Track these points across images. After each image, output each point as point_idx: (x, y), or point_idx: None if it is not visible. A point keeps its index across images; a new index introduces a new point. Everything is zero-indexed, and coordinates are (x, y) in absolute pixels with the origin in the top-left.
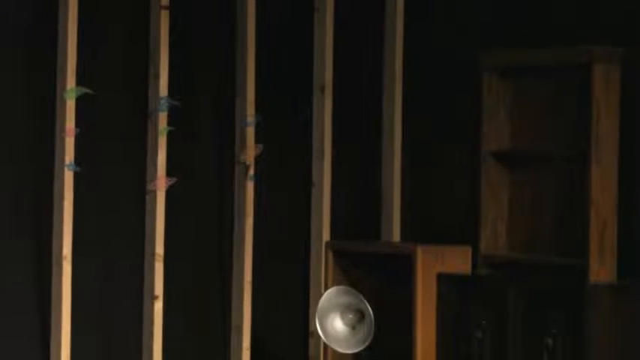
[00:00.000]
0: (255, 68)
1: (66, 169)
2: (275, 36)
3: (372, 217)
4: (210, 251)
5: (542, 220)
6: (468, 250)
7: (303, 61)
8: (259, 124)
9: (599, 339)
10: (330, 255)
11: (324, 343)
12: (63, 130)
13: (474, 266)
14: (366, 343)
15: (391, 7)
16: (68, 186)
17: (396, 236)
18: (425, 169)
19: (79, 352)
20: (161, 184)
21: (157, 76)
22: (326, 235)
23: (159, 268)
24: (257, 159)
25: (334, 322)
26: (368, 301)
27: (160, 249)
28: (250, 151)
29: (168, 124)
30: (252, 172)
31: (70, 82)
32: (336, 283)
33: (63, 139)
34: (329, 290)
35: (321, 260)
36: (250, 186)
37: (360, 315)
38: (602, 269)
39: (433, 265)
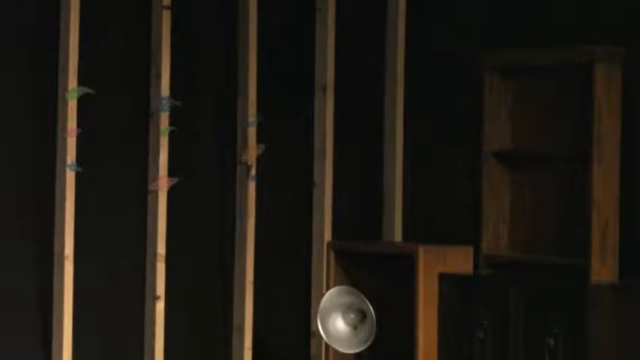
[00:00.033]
0: (256, 68)
1: (68, 170)
2: (277, 36)
3: (374, 217)
4: (212, 251)
5: (544, 220)
6: (469, 250)
7: (304, 61)
8: (261, 124)
9: (601, 339)
10: (332, 255)
11: (326, 343)
12: (65, 130)
13: (476, 266)
14: (368, 343)
15: (393, 8)
16: (70, 186)
17: (398, 236)
18: (426, 169)
19: (81, 352)
20: (163, 184)
21: (158, 76)
22: (327, 235)
23: (160, 268)
24: (259, 159)
25: (336, 322)
26: (369, 301)
27: (161, 249)
28: (252, 151)
29: (170, 124)
30: (253, 172)
31: (72, 82)
32: (337, 283)
33: (65, 140)
34: (331, 290)
35: (322, 260)
36: (252, 186)
37: (362, 315)
38: (603, 269)
39: (435, 265)
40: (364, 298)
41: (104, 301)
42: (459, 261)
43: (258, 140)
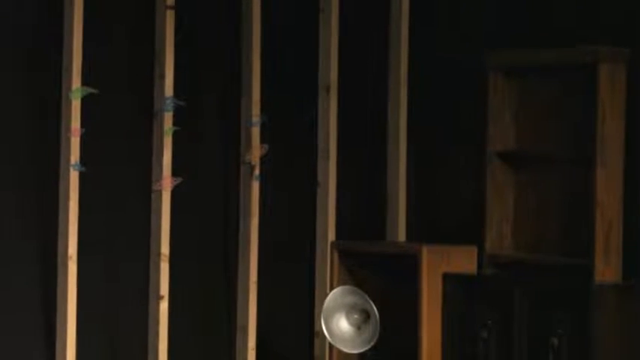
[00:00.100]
0: (260, 68)
1: (71, 169)
2: (280, 36)
3: (378, 218)
4: (216, 251)
5: (548, 220)
6: (473, 250)
7: (308, 62)
8: (265, 124)
9: (605, 339)
10: (336, 255)
11: (330, 343)
12: (68, 130)
13: (480, 266)
14: (372, 343)
15: (396, 8)
16: (74, 186)
17: (402, 236)
18: (430, 170)
19: (85, 351)
20: (167, 184)
21: (162, 76)
22: (331, 236)
23: (164, 268)
24: (262, 159)
25: (339, 322)
26: (373, 301)
27: (165, 249)
28: (256, 151)
29: (174, 124)
30: (257, 172)
31: (76, 82)
32: (341, 283)
33: (68, 139)
34: (334, 290)
35: (326, 260)
36: (256, 186)
37: (366, 315)
38: (607, 269)
39: (438, 265)
40: (368, 298)
41: (108, 300)
42: (463, 261)
43: (262, 140)
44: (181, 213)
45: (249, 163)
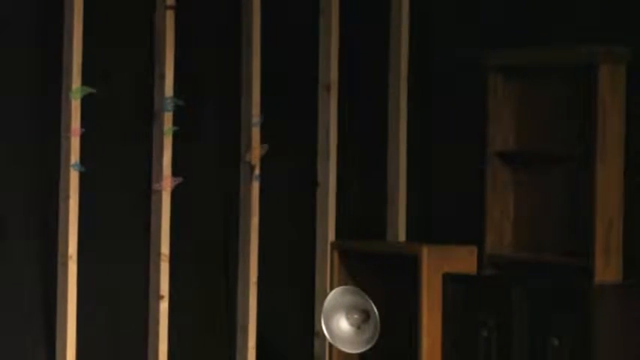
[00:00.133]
0: (260, 68)
1: (71, 169)
2: (280, 35)
3: (378, 217)
4: (216, 251)
5: (548, 220)
6: (473, 250)
7: (308, 61)
8: (264, 124)
9: (605, 339)
10: (336, 255)
11: (330, 343)
12: (68, 129)
13: (480, 266)
14: (372, 343)
15: (396, 9)
16: (74, 186)
17: (402, 236)
18: (430, 169)
19: (85, 351)
20: (167, 184)
21: (162, 76)
22: (331, 235)
23: (164, 268)
24: (262, 159)
25: (340, 322)
26: (373, 301)
27: (165, 249)
28: (256, 151)
29: (174, 124)
30: (257, 171)
31: (76, 81)
32: (341, 283)
33: (68, 139)
34: (334, 290)
35: (326, 260)
36: (256, 186)
37: (366, 315)
38: (607, 269)
39: (439, 265)
40: (368, 298)
41: (108, 300)
42: (463, 261)
43: (262, 140)
44: (181, 213)
45: (249, 162)
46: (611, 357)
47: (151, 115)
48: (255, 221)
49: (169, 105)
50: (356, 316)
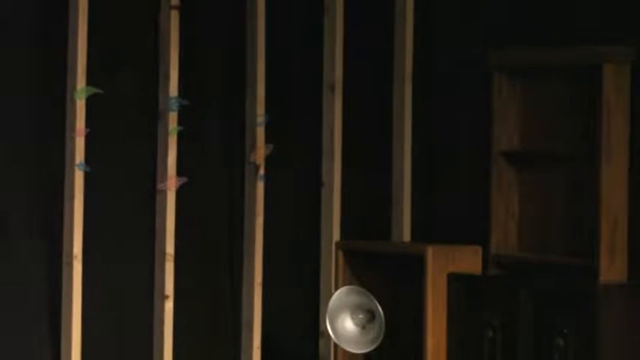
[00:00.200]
0: (265, 67)
1: (76, 169)
2: (285, 35)
3: (383, 217)
4: (221, 251)
5: (553, 220)
6: (478, 250)
7: (313, 60)
8: (269, 124)
9: (610, 339)
10: (341, 255)
11: (335, 343)
12: (73, 129)
13: (485, 266)
14: (377, 343)
15: (401, 8)
16: (78, 186)
17: (407, 236)
18: (435, 169)
19: (90, 351)
20: (171, 183)
21: (167, 76)
22: (336, 235)
23: (169, 267)
24: (267, 159)
25: (344, 322)
26: (378, 301)
27: (170, 248)
28: (260, 151)
29: (179, 123)
30: (262, 171)
31: (80, 81)
32: (346, 283)
33: (73, 139)
34: (339, 290)
35: (331, 260)
36: (260, 186)
37: (371, 315)
38: (612, 269)
39: (443, 265)
40: (373, 298)
41: (113, 300)
42: (468, 261)
43: (267, 140)
44: (186, 213)
45: (254, 162)
46: (616, 357)
47: (156, 114)
48: (259, 221)
49: (174, 105)
50: (361, 316)
